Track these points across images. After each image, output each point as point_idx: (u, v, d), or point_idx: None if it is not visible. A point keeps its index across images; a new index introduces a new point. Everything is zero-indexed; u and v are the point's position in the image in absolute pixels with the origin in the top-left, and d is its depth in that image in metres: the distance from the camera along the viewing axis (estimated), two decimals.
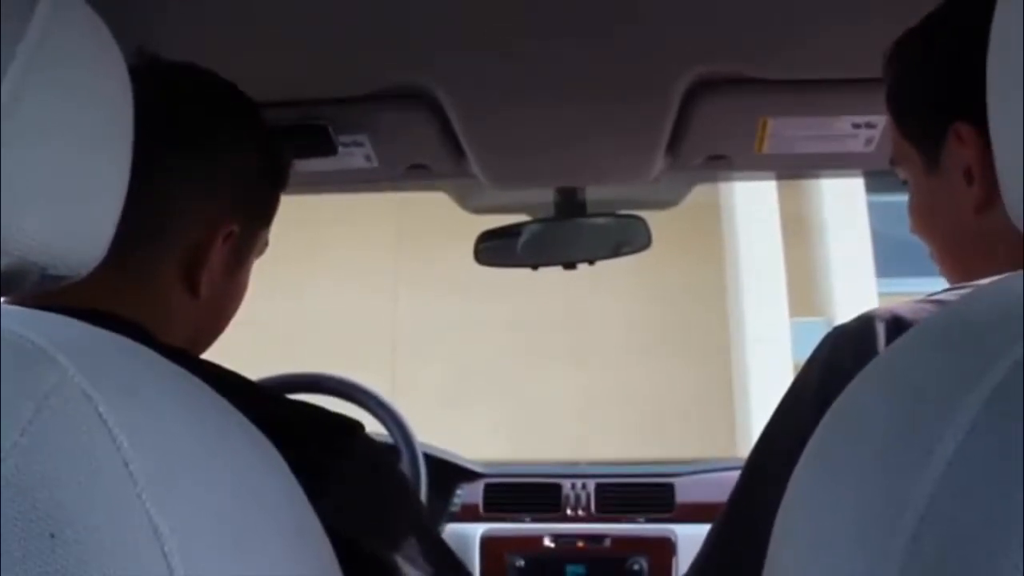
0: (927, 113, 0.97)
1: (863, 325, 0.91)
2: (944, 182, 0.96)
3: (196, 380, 0.60)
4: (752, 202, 6.75)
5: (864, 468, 0.46)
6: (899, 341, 0.51)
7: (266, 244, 1.12)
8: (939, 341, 0.48)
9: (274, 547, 0.56)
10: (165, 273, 0.97)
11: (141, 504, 0.48)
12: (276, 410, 0.90)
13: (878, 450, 0.46)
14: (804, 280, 6.81)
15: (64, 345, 0.51)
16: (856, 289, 6.39)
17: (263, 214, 1.09)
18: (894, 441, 0.45)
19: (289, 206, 1.14)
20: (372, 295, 7.45)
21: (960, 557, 0.39)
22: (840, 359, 0.91)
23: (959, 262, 1.00)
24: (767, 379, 6.31)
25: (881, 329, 0.89)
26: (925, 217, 1.03)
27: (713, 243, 7.07)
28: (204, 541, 0.50)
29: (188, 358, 0.87)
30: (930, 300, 0.92)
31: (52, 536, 0.45)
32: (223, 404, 0.60)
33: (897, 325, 0.88)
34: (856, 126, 1.48)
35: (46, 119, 0.59)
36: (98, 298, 0.88)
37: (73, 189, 0.62)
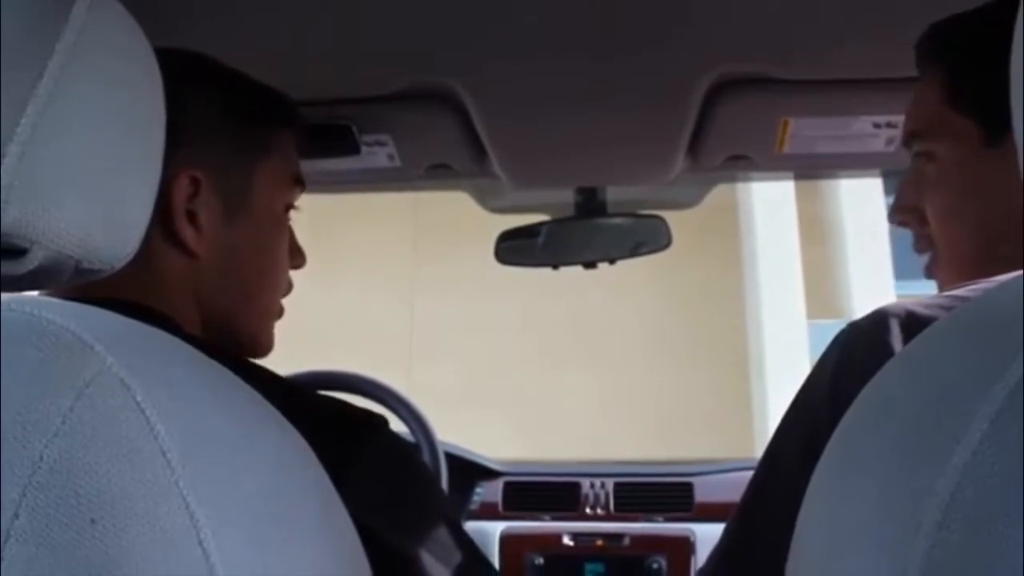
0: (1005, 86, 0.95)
1: (876, 322, 0.91)
2: (1003, 160, 0.92)
3: (228, 372, 0.61)
4: (769, 203, 6.73)
5: (888, 457, 0.46)
6: (924, 333, 0.51)
7: (298, 182, 1.07)
8: (964, 333, 0.48)
9: (305, 536, 0.57)
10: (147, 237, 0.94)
11: (178, 491, 0.49)
12: (303, 403, 0.90)
13: (902, 440, 0.46)
14: (821, 282, 6.79)
15: (102, 335, 0.52)
16: (874, 291, 6.37)
17: (242, 154, 1.01)
18: (919, 431, 0.45)
19: (306, 207, 1.12)
20: (389, 296, 7.46)
21: (985, 544, 0.40)
22: (852, 356, 0.91)
23: (983, 254, 0.97)
24: (784, 381, 6.28)
25: (895, 326, 0.89)
26: (962, 194, 0.99)
27: (730, 245, 7.06)
28: (238, 528, 0.51)
29: (217, 350, 0.87)
30: (946, 295, 0.92)
31: (93, 521, 0.46)
32: (255, 396, 0.61)
33: (911, 321, 0.88)
34: (877, 126, 1.48)
35: (82, 114, 0.60)
36: (102, 285, 0.84)
37: (108, 183, 0.63)
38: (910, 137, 1.05)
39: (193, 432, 0.52)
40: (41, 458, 0.47)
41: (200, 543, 0.49)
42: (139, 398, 0.50)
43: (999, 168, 0.94)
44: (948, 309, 0.86)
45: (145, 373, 0.52)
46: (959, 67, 0.99)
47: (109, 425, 0.49)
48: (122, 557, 0.46)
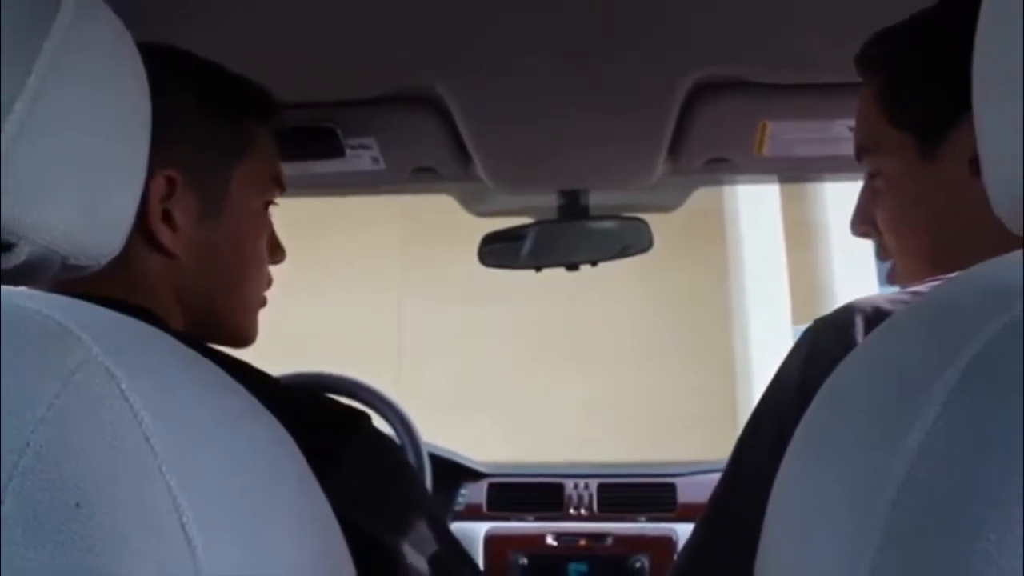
0: (936, 99, 0.95)
1: (843, 316, 0.92)
2: (942, 170, 0.95)
3: (211, 364, 0.62)
4: (755, 208, 6.74)
5: (847, 443, 0.48)
6: (882, 326, 0.53)
7: (277, 181, 1.08)
8: (920, 321, 0.50)
9: (286, 524, 0.58)
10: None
11: (162, 477, 0.50)
12: (286, 398, 0.90)
13: (860, 425, 0.48)
14: (807, 286, 6.80)
15: (87, 326, 0.53)
16: (859, 296, 6.36)
17: (220, 155, 1.02)
18: (876, 415, 0.47)
19: (294, 210, 1.12)
20: (377, 300, 7.44)
21: (939, 522, 0.41)
22: (820, 350, 0.92)
23: (936, 261, 0.98)
24: None
25: (860, 320, 0.90)
26: (906, 209, 1.01)
27: (716, 249, 7.06)
28: (221, 515, 0.52)
29: (200, 345, 0.87)
30: (909, 292, 0.93)
31: (78, 506, 0.47)
32: (238, 388, 0.62)
33: (877, 316, 0.89)
34: (852, 129, 1.50)
35: (69, 112, 0.62)
36: (85, 284, 0.78)
37: (95, 180, 0.64)
38: (857, 152, 1.06)
39: (176, 420, 0.53)
40: (28, 444, 0.48)
41: (183, 527, 0.50)
42: (124, 386, 0.51)
43: (938, 181, 0.96)
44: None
45: (129, 363, 0.53)
46: (891, 80, 1.01)
47: (94, 412, 0.50)
48: (106, 540, 0.47)
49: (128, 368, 0.52)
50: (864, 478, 0.45)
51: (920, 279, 0.98)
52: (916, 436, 0.43)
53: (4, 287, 0.57)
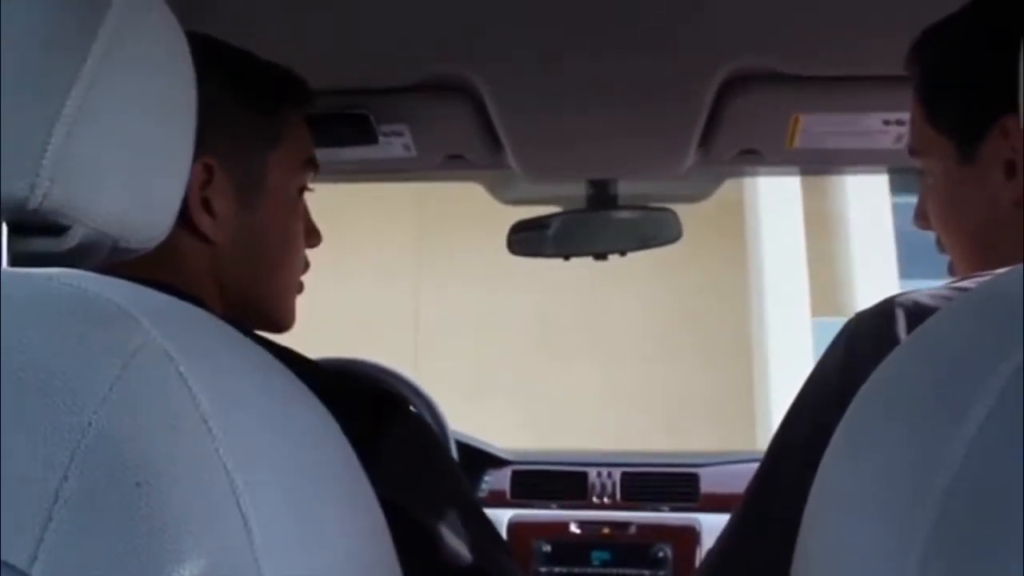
0: (970, 105, 0.95)
1: (884, 311, 0.92)
2: (978, 174, 0.95)
3: (260, 348, 0.63)
4: (776, 201, 6.74)
5: (895, 436, 0.48)
6: (931, 318, 0.53)
7: (311, 164, 1.08)
8: (973, 313, 0.50)
9: (336, 507, 0.59)
10: None
11: (219, 459, 0.51)
12: (328, 382, 0.91)
13: (910, 416, 0.47)
14: (826, 279, 6.79)
15: (145, 309, 0.54)
16: (878, 289, 6.36)
17: (255, 141, 1.03)
18: (927, 406, 0.47)
19: (311, 198, 1.13)
20: (394, 289, 7.46)
21: (992, 514, 0.41)
22: (860, 345, 0.92)
23: (983, 255, 0.98)
24: (788, 377, 6.29)
25: (901, 315, 0.90)
26: (949, 208, 1.01)
27: (736, 241, 7.06)
28: (275, 497, 0.53)
29: (245, 330, 0.88)
30: (952, 288, 0.93)
31: (138, 485, 0.48)
32: (286, 371, 0.63)
33: (918, 310, 0.89)
34: (887, 123, 1.50)
35: (122, 98, 0.63)
36: (127, 267, 0.77)
37: (146, 165, 0.65)
38: (909, 152, 1.07)
39: (232, 403, 0.54)
40: (90, 424, 0.48)
41: (239, 507, 0.50)
42: (181, 369, 0.52)
43: (975, 185, 0.96)
44: (951, 299, 0.87)
45: (185, 346, 0.54)
46: (929, 84, 1.02)
47: (154, 394, 0.51)
48: (167, 520, 0.48)
49: (185, 351, 0.53)
50: (914, 470, 0.45)
51: (970, 272, 0.99)
52: (970, 428, 0.43)
53: (62, 269, 0.58)
